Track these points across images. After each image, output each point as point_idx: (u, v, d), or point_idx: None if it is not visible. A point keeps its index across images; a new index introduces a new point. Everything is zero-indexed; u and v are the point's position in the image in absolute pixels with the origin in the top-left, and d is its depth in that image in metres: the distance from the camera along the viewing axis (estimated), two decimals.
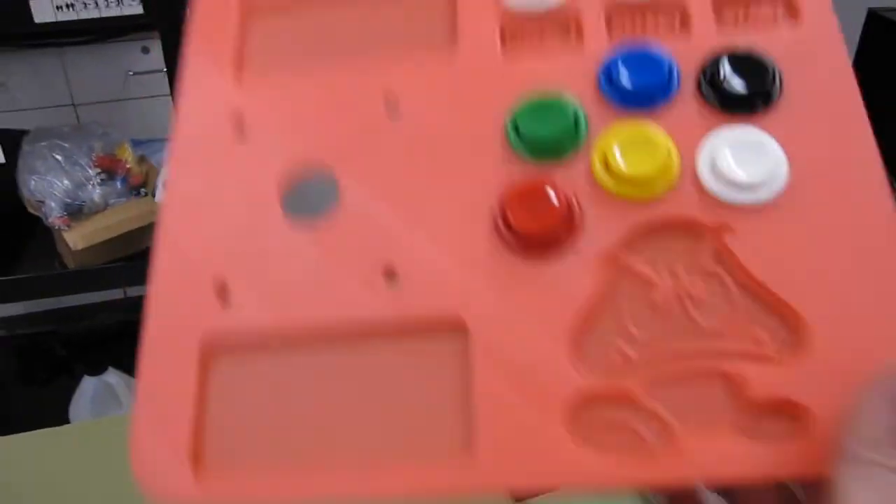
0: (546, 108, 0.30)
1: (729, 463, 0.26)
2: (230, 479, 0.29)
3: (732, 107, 0.30)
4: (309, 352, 0.29)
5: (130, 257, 1.31)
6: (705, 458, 0.26)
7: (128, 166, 1.33)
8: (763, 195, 0.28)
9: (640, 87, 0.30)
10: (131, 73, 1.85)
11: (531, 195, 0.29)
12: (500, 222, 0.29)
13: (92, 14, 1.13)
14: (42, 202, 1.25)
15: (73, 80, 1.85)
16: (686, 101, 0.30)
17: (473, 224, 0.30)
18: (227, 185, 0.32)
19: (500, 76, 0.32)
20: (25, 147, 1.29)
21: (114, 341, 1.84)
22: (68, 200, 1.26)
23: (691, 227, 0.29)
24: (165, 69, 1.17)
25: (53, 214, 1.24)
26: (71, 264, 1.28)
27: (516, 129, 0.30)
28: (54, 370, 1.74)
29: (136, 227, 1.29)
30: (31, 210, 1.28)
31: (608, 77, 0.31)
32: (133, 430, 0.30)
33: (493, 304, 0.29)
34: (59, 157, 1.28)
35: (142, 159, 1.41)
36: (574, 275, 0.28)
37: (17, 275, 1.28)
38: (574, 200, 0.29)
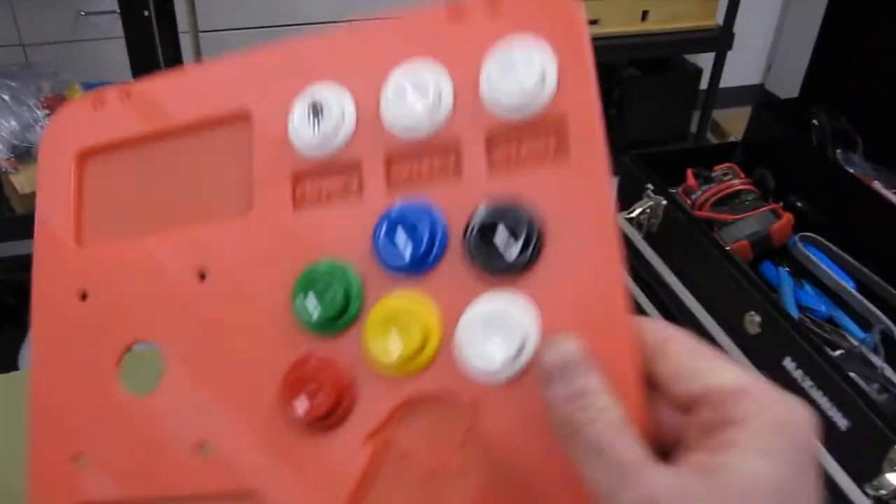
0: (320, 284, 0.32)
1: None
2: None
3: (493, 269, 0.29)
4: None
5: None
6: None
7: None
8: (505, 376, 0.29)
9: (406, 255, 0.30)
10: (83, 13, 1.78)
11: (306, 380, 0.31)
12: (285, 404, 0.32)
13: None
14: None
15: (22, 20, 1.77)
16: (453, 263, 0.30)
17: (264, 401, 0.32)
18: (74, 355, 0.36)
19: (289, 238, 0.33)
20: None
21: None
22: (15, 142, 1.21)
23: (450, 399, 0.30)
24: (119, 10, 1.12)
25: (0, 156, 1.19)
26: (19, 209, 1.24)
27: (297, 308, 0.32)
28: (3, 319, 1.69)
29: None
30: None
31: (378, 246, 0.31)
32: None
33: (282, 478, 0.32)
34: (5, 97, 1.23)
35: None
36: (347, 452, 0.31)
37: None
38: (347, 379, 0.31)
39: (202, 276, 0.35)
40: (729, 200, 1.03)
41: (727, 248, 0.98)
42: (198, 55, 1.60)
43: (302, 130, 0.33)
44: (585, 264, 0.28)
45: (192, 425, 0.34)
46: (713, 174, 1.06)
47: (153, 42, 1.18)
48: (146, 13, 1.15)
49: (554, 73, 0.30)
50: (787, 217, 1.04)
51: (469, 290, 0.30)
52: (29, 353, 1.17)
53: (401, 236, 0.31)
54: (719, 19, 2.42)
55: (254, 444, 0.33)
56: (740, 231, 1.01)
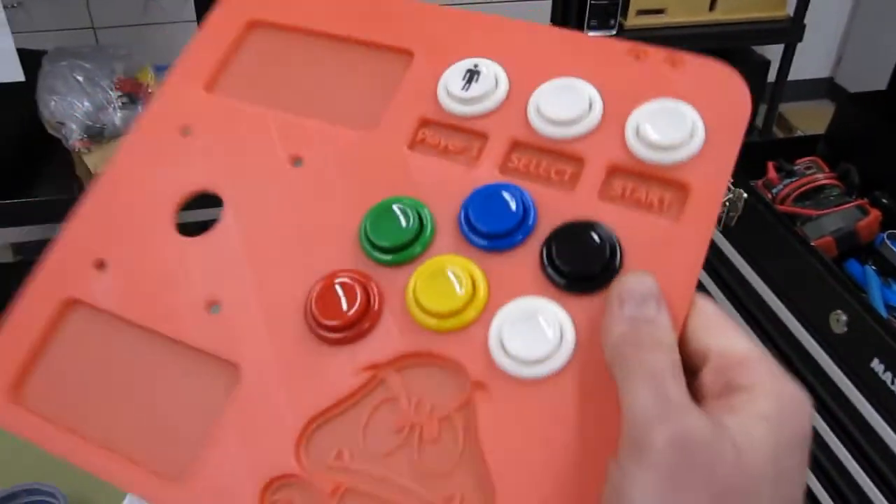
0: (399, 212, 0.33)
1: None
2: (30, 414, 0.35)
3: (555, 281, 0.31)
4: (133, 334, 0.35)
5: None
6: None
7: (150, 90, 1.29)
8: (527, 373, 0.30)
9: (484, 229, 0.32)
10: None
11: (338, 290, 0.32)
12: (308, 303, 0.33)
13: None
14: (62, 124, 1.22)
15: (93, 2, 1.80)
16: (524, 257, 0.32)
17: (294, 294, 0.33)
18: (146, 179, 0.38)
19: (391, 167, 0.35)
20: (46, 66, 1.25)
21: None
22: (89, 123, 1.23)
23: (456, 371, 0.31)
24: None
25: (74, 137, 1.21)
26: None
27: (367, 225, 0.34)
28: None
29: None
30: (50, 131, 1.24)
31: (468, 207, 0.33)
32: None
33: (270, 365, 0.33)
34: (79, 78, 1.25)
35: None
36: (341, 373, 0.32)
37: (34, 197, 1.26)
38: (376, 307, 0.32)
39: (296, 162, 0.37)
40: (812, 195, 1.00)
41: (812, 244, 0.94)
42: None
43: (452, 85, 0.36)
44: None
45: (215, 282, 0.35)
46: (795, 168, 1.02)
47: None
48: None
49: (700, 140, 0.31)
50: (875, 214, 1.01)
51: (525, 286, 0.31)
52: None
53: (494, 209, 0.32)
54: (790, 10, 2.36)
55: (263, 326, 0.33)
56: (825, 227, 0.97)
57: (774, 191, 1.01)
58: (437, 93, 0.36)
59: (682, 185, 0.31)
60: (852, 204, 1.00)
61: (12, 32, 1.76)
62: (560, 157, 0.33)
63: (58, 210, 1.29)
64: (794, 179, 1.01)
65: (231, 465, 0.31)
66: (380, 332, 0.32)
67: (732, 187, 0.95)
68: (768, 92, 2.50)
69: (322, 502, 0.30)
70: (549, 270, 0.31)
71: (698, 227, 0.31)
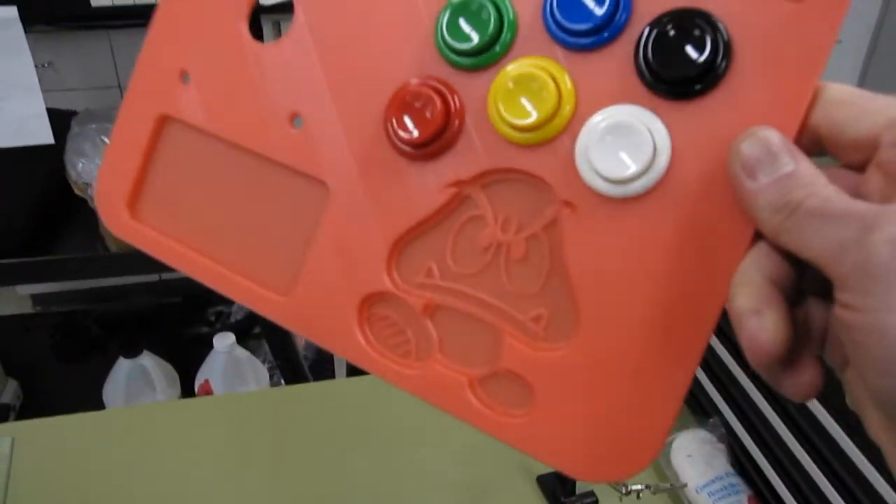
0: (475, 15, 0.29)
1: (449, 398, 0.31)
2: (147, 228, 0.37)
3: (653, 85, 0.27)
4: (225, 149, 0.35)
5: None
6: (436, 384, 0.31)
7: None
8: (617, 192, 0.27)
9: (571, 27, 0.28)
10: None
11: (420, 102, 0.30)
12: (388, 116, 0.30)
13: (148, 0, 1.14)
14: (88, 184, 1.26)
15: (120, 62, 1.86)
16: (616, 56, 0.27)
17: (373, 105, 0.31)
18: None
19: None
20: (75, 128, 1.30)
21: (148, 324, 1.86)
22: None
23: (544, 188, 0.29)
24: None
25: None
26: (112, 247, 1.29)
27: (443, 24, 0.30)
28: (88, 348, 1.76)
29: None
30: (76, 192, 1.29)
31: (551, 3, 0.28)
32: (98, 174, 0.38)
33: (356, 184, 0.32)
34: (107, 140, 1.29)
35: None
36: (425, 190, 0.30)
37: (59, 255, 1.30)
38: (456, 119, 0.30)
39: None
40: None
41: None
42: None
43: None
44: (757, 122, 0.25)
45: (294, 93, 0.33)
46: None
47: None
48: None
49: None
50: None
51: (617, 91, 0.27)
52: (114, 388, 1.22)
53: (573, 4, 0.28)
54: None
55: (344, 140, 0.32)
56: None
57: None
58: None
59: None
60: None
61: (43, 91, 1.83)
62: None
63: (80, 268, 1.33)
64: None
65: (330, 282, 0.32)
66: (463, 145, 0.30)
67: None
68: None
69: (415, 318, 0.31)
70: (644, 73, 0.27)
71: (826, 7, 0.25)
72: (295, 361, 1.45)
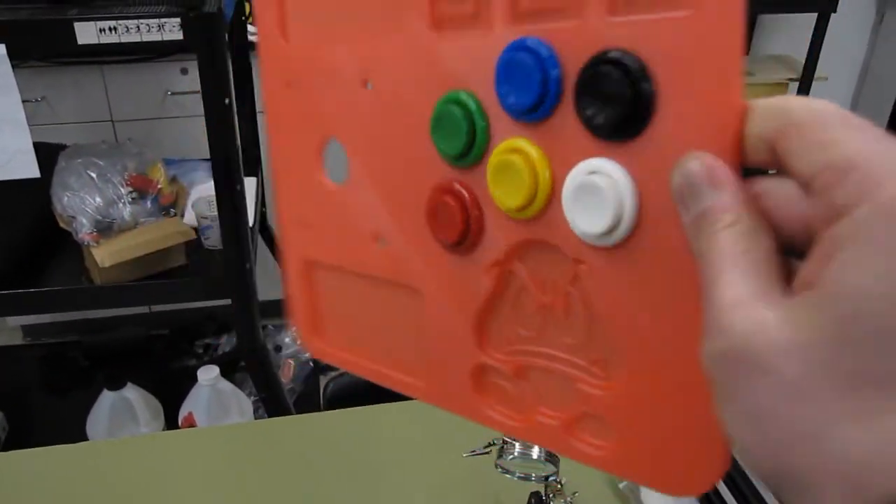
0: (449, 121, 0.32)
1: (553, 441, 0.34)
2: (329, 346, 0.43)
3: (595, 132, 0.27)
4: (346, 274, 0.41)
5: (155, 275, 1.33)
6: (539, 430, 0.35)
7: (159, 186, 1.35)
8: (607, 242, 0.29)
9: (519, 102, 0.29)
10: (170, 92, 1.89)
11: (441, 208, 0.34)
12: (429, 228, 0.35)
13: (133, 38, 1.15)
14: (73, 217, 1.27)
15: (113, 97, 1.89)
16: (565, 116, 0.28)
17: (417, 215, 0.35)
18: (290, 139, 0.41)
19: (430, 63, 0.33)
20: (61, 163, 1.32)
21: (135, 355, 1.87)
22: (99, 217, 1.28)
23: (558, 251, 0.31)
24: (202, 97, 1.19)
25: (83, 230, 1.27)
26: (98, 280, 1.30)
27: (435, 136, 0.33)
28: (76, 380, 1.77)
29: (164, 246, 1.31)
30: (61, 225, 1.30)
31: (498, 85, 0.30)
32: (290, 303, 0.44)
33: (433, 283, 0.36)
34: (93, 175, 1.31)
35: (173, 180, 1.43)
36: (477, 276, 0.34)
37: (45, 287, 1.31)
38: (476, 211, 0.33)
39: (366, 84, 0.36)
40: None
41: None
42: None
43: None
44: (696, 141, 0.25)
45: (369, 218, 0.38)
46: None
47: (232, 126, 1.24)
48: (227, 101, 1.22)
49: None
50: None
51: (577, 149, 0.28)
52: (97, 420, 1.23)
53: (517, 78, 0.29)
54: None
55: (413, 250, 0.36)
56: None
57: None
58: None
59: None
60: None
61: (36, 125, 1.85)
62: None
63: (65, 301, 1.33)
64: None
65: (446, 364, 0.37)
66: (489, 231, 0.33)
67: None
68: None
69: (511, 379, 0.35)
70: (589, 125, 0.27)
71: (720, 8, 0.24)
72: (279, 395, 1.45)
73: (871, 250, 0.20)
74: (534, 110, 0.29)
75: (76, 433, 1.50)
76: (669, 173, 0.26)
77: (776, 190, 0.24)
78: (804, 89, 2.33)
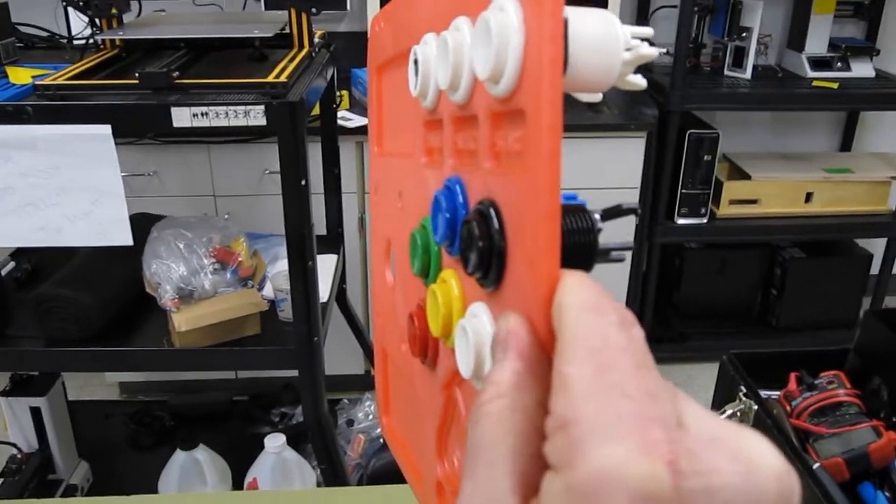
0: (413, 241, 0.34)
1: None
2: (395, 436, 0.45)
3: (477, 279, 0.27)
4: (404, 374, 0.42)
5: (231, 343, 1.41)
6: None
7: (240, 259, 1.44)
8: (475, 383, 0.28)
9: (439, 236, 0.30)
10: (267, 171, 2.01)
11: (410, 325, 0.35)
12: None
13: (222, 122, 1.26)
14: (159, 284, 1.37)
15: (216, 174, 2.03)
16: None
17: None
18: (375, 238, 0.45)
19: (421, 190, 0.34)
20: (154, 233, 1.42)
21: (216, 418, 1.95)
22: (182, 285, 1.37)
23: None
24: (280, 171, 1.28)
25: (166, 297, 1.36)
26: (176, 343, 1.39)
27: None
28: (158, 438, 1.86)
29: (238, 315, 1.39)
30: (148, 290, 1.40)
31: (433, 214, 0.31)
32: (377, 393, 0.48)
33: (420, 393, 0.38)
34: (180, 245, 1.41)
35: (254, 253, 1.52)
36: (435, 393, 0.35)
37: (129, 347, 1.40)
38: (430, 336, 0.34)
39: (400, 197, 0.39)
40: (829, 411, 0.98)
41: (815, 466, 0.92)
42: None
43: (411, 83, 0.33)
44: (524, 302, 0.25)
45: (399, 318, 0.40)
46: (817, 381, 1.01)
47: (307, 206, 1.32)
48: (303, 182, 1.30)
49: (518, 45, 0.24)
50: (889, 437, 0.97)
51: (471, 293, 0.29)
52: (168, 477, 1.29)
53: (441, 215, 0.30)
54: (891, 204, 2.34)
55: (412, 357, 0.37)
56: (836, 447, 0.94)
57: (794, 403, 1.00)
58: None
59: (521, 116, 0.25)
60: (866, 424, 0.96)
61: (147, 197, 2.01)
62: (470, 123, 0.29)
63: (145, 361, 1.42)
64: (814, 393, 1.00)
65: (427, 471, 0.38)
66: (442, 353, 0.34)
67: (744, 397, 0.96)
68: (872, 285, 2.44)
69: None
70: (466, 270, 0.28)
71: (536, 167, 0.24)
72: (338, 466, 1.48)
73: None
74: (451, 245, 0.29)
75: (151, 489, 1.58)
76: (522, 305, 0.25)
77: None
78: None
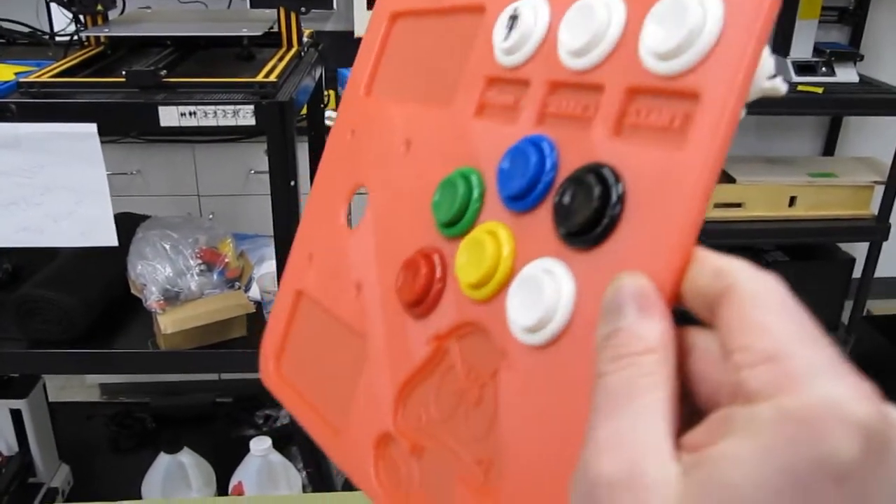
0: (450, 190, 0.34)
1: None
2: (287, 384, 0.43)
3: (563, 238, 0.29)
4: (329, 317, 0.41)
5: (218, 345, 1.39)
6: None
7: (227, 260, 1.42)
8: (530, 340, 0.29)
9: (510, 188, 0.31)
10: (252, 171, 2.00)
11: (412, 267, 0.35)
12: (396, 282, 0.36)
13: (210, 122, 1.24)
14: (144, 285, 1.35)
15: (201, 173, 2.01)
16: (544, 214, 0.30)
17: (396, 273, 0.36)
18: (330, 180, 0.44)
19: (459, 140, 0.35)
20: (139, 233, 1.40)
21: (199, 420, 1.92)
22: (168, 287, 1.35)
23: (489, 338, 0.31)
24: (268, 171, 1.26)
25: (152, 298, 1.34)
26: (162, 345, 1.37)
27: (434, 200, 0.35)
28: (140, 441, 1.83)
29: (225, 317, 1.37)
30: (133, 291, 1.38)
31: (499, 170, 0.32)
32: (266, 329, 0.45)
33: (381, 338, 0.37)
34: (166, 246, 1.39)
35: (241, 255, 1.50)
36: (418, 344, 0.34)
37: (113, 349, 1.38)
38: (441, 283, 0.34)
39: (408, 146, 0.38)
40: None
41: None
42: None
43: (497, 36, 0.34)
44: (641, 269, 0.26)
45: (359, 266, 0.39)
46: None
47: (295, 207, 1.31)
48: (292, 183, 1.29)
49: (708, 39, 0.26)
50: None
51: (540, 245, 0.29)
52: (152, 481, 1.28)
53: (517, 168, 0.31)
54: (874, 209, 2.36)
55: (380, 302, 0.37)
56: None
57: None
58: (494, 47, 0.34)
59: (691, 96, 0.26)
60: None
61: (130, 196, 1.98)
62: (585, 90, 0.30)
63: (130, 363, 1.40)
64: None
65: (360, 423, 0.37)
66: (444, 304, 0.33)
67: None
68: (854, 289, 2.46)
69: (405, 458, 0.35)
70: (558, 227, 0.29)
71: (703, 148, 0.26)
72: (325, 470, 1.47)
73: (756, 451, 0.20)
74: (520, 199, 0.30)
75: (133, 493, 1.56)
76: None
77: (697, 341, 0.24)
78: (890, 193, 2.27)
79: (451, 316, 0.33)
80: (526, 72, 0.33)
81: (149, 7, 1.74)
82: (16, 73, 1.33)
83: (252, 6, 2.18)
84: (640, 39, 0.28)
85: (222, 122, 1.26)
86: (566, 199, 0.28)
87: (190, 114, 1.24)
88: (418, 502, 0.34)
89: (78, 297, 1.36)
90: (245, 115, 1.25)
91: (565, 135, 0.30)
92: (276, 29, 1.47)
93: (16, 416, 1.58)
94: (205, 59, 1.44)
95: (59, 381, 2.29)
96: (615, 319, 0.24)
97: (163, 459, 1.52)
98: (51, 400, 1.70)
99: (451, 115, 0.36)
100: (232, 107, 1.23)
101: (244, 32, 1.41)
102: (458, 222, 0.33)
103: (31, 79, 1.23)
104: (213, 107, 1.23)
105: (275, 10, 1.49)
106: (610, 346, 0.24)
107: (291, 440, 1.78)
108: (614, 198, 0.27)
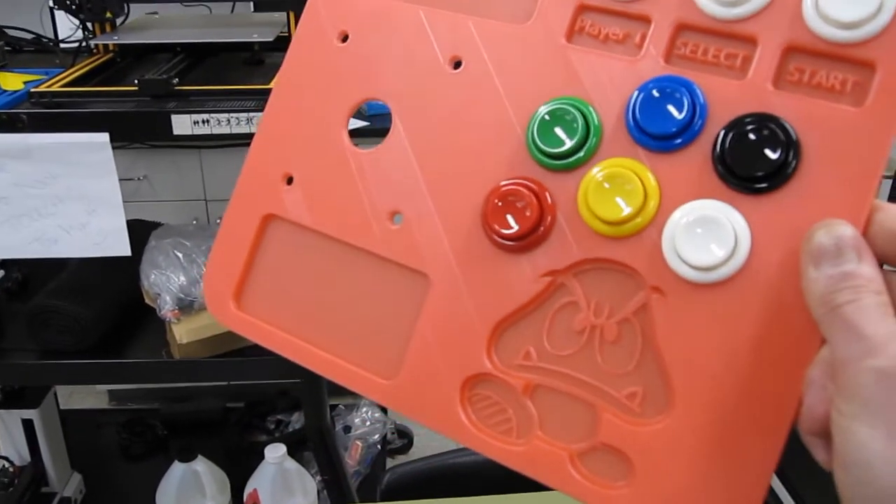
0: (563, 122, 0.32)
1: (552, 473, 0.32)
2: (253, 318, 0.39)
3: (731, 181, 0.30)
4: (328, 245, 0.38)
5: (231, 353, 1.38)
6: (538, 460, 0.32)
7: None
8: (703, 278, 0.29)
9: (656, 128, 0.31)
10: None
11: (517, 199, 0.33)
12: (486, 212, 0.34)
13: (224, 130, 1.23)
14: (158, 295, 1.34)
15: (208, 178, 2.00)
16: (694, 155, 0.30)
17: (470, 202, 0.34)
18: (316, 91, 0.39)
19: (550, 65, 0.34)
20: (152, 242, 1.39)
21: (211, 427, 1.91)
22: (181, 296, 1.34)
23: (632, 276, 0.31)
24: None
25: (166, 307, 1.33)
26: (176, 354, 1.36)
27: (534, 130, 0.33)
28: (151, 448, 1.82)
29: None
30: (147, 301, 1.37)
31: (634, 106, 0.31)
32: (207, 264, 0.41)
33: (456, 274, 0.34)
34: (179, 255, 1.38)
35: None
36: (522, 280, 0.33)
37: (128, 358, 1.37)
38: (549, 215, 0.32)
39: (456, 65, 0.36)
40: None
41: None
42: None
43: None
44: (824, 215, 0.28)
45: (394, 192, 0.36)
46: None
47: None
48: None
49: (890, 13, 0.28)
50: None
51: (695, 187, 0.30)
52: (166, 490, 1.28)
53: (661, 107, 0.31)
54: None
55: (443, 235, 0.35)
56: None
57: None
58: None
59: (867, 65, 0.28)
60: None
61: (137, 202, 1.97)
62: (731, 39, 0.31)
63: (144, 373, 1.39)
64: None
65: (433, 366, 0.34)
66: (555, 238, 0.32)
67: None
68: None
69: (515, 397, 0.33)
70: (721, 170, 0.30)
71: (884, 112, 0.28)
72: (341, 478, 1.46)
73: None
74: (666, 139, 0.31)
75: (146, 501, 1.55)
76: (788, 231, 0.29)
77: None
78: None
79: (570, 251, 0.32)
80: (645, 7, 0.32)
81: (156, 13, 1.73)
82: (25, 82, 1.31)
83: (256, 10, 2.16)
84: (805, 2, 0.29)
85: (235, 130, 1.25)
86: (741, 145, 0.29)
87: (203, 122, 1.23)
88: (543, 443, 0.33)
89: (91, 307, 1.35)
90: (258, 124, 1.24)
91: (707, 80, 0.31)
92: (285, 33, 1.46)
93: (27, 425, 1.57)
94: (215, 66, 1.43)
95: (68, 388, 2.28)
96: (839, 262, 0.27)
97: (177, 468, 1.51)
98: (60, 407, 1.69)
99: (531, 37, 0.34)
100: (245, 114, 1.22)
101: (255, 38, 1.40)
102: (571, 156, 0.32)
103: (41, 88, 1.22)
104: (226, 115, 1.22)
105: (282, 14, 1.48)
106: (839, 287, 0.26)
107: (303, 445, 1.77)
108: (795, 151, 0.28)
